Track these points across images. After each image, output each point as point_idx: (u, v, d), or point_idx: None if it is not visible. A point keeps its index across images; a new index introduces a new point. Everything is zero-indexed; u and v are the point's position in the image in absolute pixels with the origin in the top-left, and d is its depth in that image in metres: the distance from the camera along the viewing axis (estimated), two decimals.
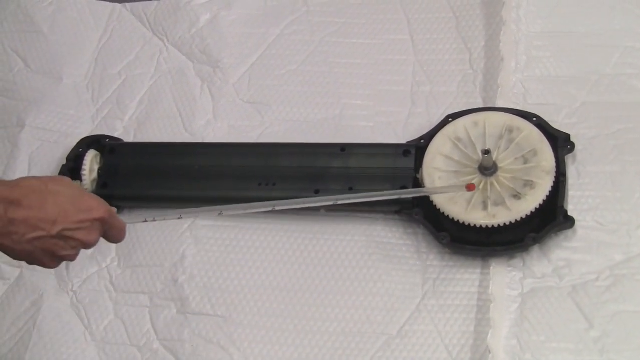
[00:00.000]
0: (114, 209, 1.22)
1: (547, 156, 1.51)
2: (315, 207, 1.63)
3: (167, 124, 1.82)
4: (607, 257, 1.47)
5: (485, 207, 1.50)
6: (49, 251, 1.15)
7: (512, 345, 1.42)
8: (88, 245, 1.18)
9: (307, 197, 1.59)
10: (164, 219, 1.35)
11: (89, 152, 1.73)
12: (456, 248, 1.53)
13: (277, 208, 1.40)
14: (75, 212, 1.15)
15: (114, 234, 1.23)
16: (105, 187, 1.71)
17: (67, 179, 1.20)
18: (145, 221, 1.32)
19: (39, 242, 1.13)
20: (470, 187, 1.47)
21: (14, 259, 1.16)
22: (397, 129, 1.71)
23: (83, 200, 1.17)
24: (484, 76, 1.72)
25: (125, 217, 1.26)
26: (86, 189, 1.70)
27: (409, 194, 1.53)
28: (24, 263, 1.18)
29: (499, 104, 1.64)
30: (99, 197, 1.20)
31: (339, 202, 1.45)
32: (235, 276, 1.61)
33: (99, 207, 1.18)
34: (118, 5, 2.01)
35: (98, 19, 1.99)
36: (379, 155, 1.63)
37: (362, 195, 1.48)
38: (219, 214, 1.39)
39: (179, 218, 1.34)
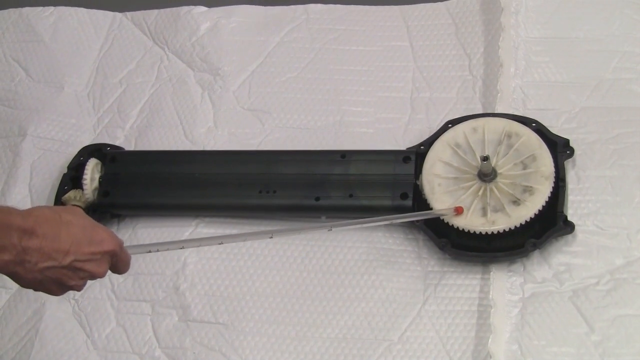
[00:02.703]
0: (122, 240, 1.23)
1: (546, 161, 1.51)
2: (316, 214, 1.63)
3: (168, 132, 1.83)
4: (607, 261, 1.47)
5: (484, 214, 1.50)
6: (58, 281, 1.16)
7: (513, 350, 1.42)
8: (96, 277, 1.19)
9: (307, 204, 1.61)
10: (167, 249, 1.37)
11: (90, 160, 1.74)
12: (457, 254, 1.53)
13: (274, 236, 1.43)
14: (87, 244, 1.15)
15: (120, 266, 1.24)
16: (106, 196, 1.72)
17: (79, 209, 1.20)
18: (150, 252, 1.33)
19: (50, 271, 1.14)
20: (458, 210, 1.50)
21: (22, 286, 1.16)
22: (397, 135, 1.71)
23: (95, 232, 1.17)
24: (483, 82, 1.72)
25: (129, 249, 1.26)
26: (87, 198, 1.70)
27: (400, 219, 1.53)
28: None
29: (499, 110, 1.65)
30: (109, 229, 1.20)
31: (333, 229, 1.51)
32: (237, 283, 1.62)
33: (110, 240, 1.19)
34: (119, 14, 2.01)
35: (99, 28, 2.00)
36: (379, 161, 1.63)
37: (358, 221, 1.49)
38: (220, 244, 1.40)
39: (181, 248, 1.36)
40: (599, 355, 1.39)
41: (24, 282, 1.14)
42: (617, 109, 1.62)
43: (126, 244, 1.67)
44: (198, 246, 1.44)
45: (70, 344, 1.61)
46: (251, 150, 1.76)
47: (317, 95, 1.81)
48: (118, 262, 1.22)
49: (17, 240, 1.10)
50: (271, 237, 1.43)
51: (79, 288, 1.19)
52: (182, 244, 1.35)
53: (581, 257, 1.49)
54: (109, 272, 1.64)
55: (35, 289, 1.17)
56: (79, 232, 1.15)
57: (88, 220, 1.18)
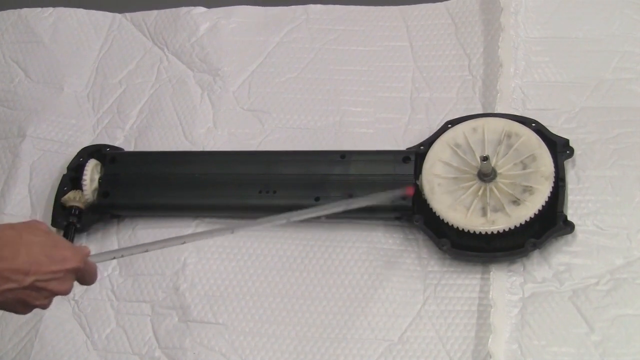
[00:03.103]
0: (88, 251, 1.22)
1: (545, 161, 1.51)
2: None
3: (168, 132, 1.83)
4: (607, 261, 1.47)
5: (484, 214, 1.50)
6: (22, 301, 1.16)
7: (513, 350, 1.42)
8: (61, 294, 1.19)
9: (307, 204, 1.59)
10: (131, 254, 1.36)
11: (89, 161, 1.74)
12: (456, 254, 1.53)
13: (235, 231, 1.43)
14: (48, 263, 1.14)
15: (87, 279, 1.23)
16: (106, 196, 1.72)
17: (44, 225, 1.19)
18: (114, 258, 1.34)
19: (11, 293, 1.13)
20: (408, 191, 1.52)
21: None
22: (397, 135, 1.71)
23: (57, 251, 1.16)
24: (483, 82, 1.72)
25: (94, 258, 1.25)
26: (87, 199, 1.70)
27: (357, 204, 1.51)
28: None
29: (498, 110, 1.65)
30: (72, 245, 1.20)
31: (292, 220, 1.46)
32: (237, 284, 1.62)
33: (73, 258, 1.18)
34: (118, 15, 2.01)
35: (98, 29, 2.00)
36: (378, 161, 1.63)
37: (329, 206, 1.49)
38: (183, 243, 1.40)
39: (145, 251, 1.36)
40: (599, 355, 1.39)
41: None
42: (617, 109, 1.62)
43: (126, 243, 1.69)
44: (162, 247, 1.42)
45: (70, 345, 1.61)
46: (251, 151, 1.76)
47: (316, 96, 1.81)
48: (84, 276, 1.22)
49: None
50: (232, 232, 1.41)
51: (44, 307, 1.19)
52: (147, 247, 1.34)
53: (581, 257, 1.49)
54: (109, 275, 1.65)
55: (1, 309, 1.17)
56: (39, 252, 1.14)
57: (50, 238, 1.17)
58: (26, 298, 1.15)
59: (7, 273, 1.12)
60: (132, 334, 1.61)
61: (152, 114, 1.86)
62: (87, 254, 1.21)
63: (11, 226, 1.16)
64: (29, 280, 1.13)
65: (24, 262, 1.12)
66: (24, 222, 1.20)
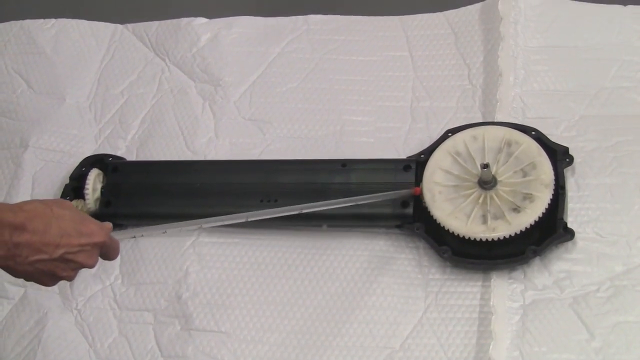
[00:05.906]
0: (110, 226, 1.26)
1: (545, 169, 1.52)
2: (317, 223, 1.63)
3: (169, 142, 1.83)
4: (607, 268, 1.48)
5: (485, 221, 1.51)
6: (50, 272, 1.19)
7: (514, 356, 1.43)
8: (88, 267, 1.22)
9: (308, 212, 1.59)
10: (151, 235, 1.43)
11: (91, 171, 1.74)
12: (457, 261, 1.54)
13: (250, 219, 1.44)
14: (78, 236, 1.18)
15: (110, 254, 1.27)
16: (108, 206, 1.72)
17: (70, 203, 1.23)
18: (134, 237, 1.37)
19: (41, 264, 1.17)
20: (416, 191, 1.56)
21: (14, 276, 1.19)
22: (398, 144, 1.72)
23: (85, 225, 1.20)
24: (482, 91, 1.73)
25: (115, 234, 1.28)
26: (89, 208, 1.71)
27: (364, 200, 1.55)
28: (28, 282, 1.22)
29: (498, 118, 1.65)
30: (98, 221, 1.23)
31: (304, 211, 1.50)
32: (239, 292, 1.62)
33: (100, 232, 1.22)
34: (120, 26, 2.02)
35: (100, 40, 2.01)
36: (379, 170, 1.64)
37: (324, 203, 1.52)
38: (199, 227, 1.41)
39: (164, 232, 1.40)
40: None
41: (15, 273, 1.18)
42: (617, 117, 1.63)
43: (128, 252, 1.69)
44: (179, 229, 1.44)
45: (72, 354, 1.62)
46: (252, 160, 1.76)
47: (317, 105, 1.81)
48: (108, 251, 1.25)
49: (8, 236, 1.13)
50: (246, 220, 1.45)
51: (70, 278, 1.22)
52: (164, 228, 1.37)
53: (581, 264, 1.49)
54: (111, 284, 1.66)
55: (27, 280, 1.20)
56: (69, 225, 1.18)
57: (78, 213, 1.21)
58: (54, 269, 1.18)
59: (39, 245, 1.15)
60: (135, 343, 1.61)
61: (153, 124, 1.87)
62: (111, 229, 1.25)
63: (41, 201, 1.19)
64: (59, 252, 1.16)
65: (55, 234, 1.16)
66: (51, 199, 1.25)
